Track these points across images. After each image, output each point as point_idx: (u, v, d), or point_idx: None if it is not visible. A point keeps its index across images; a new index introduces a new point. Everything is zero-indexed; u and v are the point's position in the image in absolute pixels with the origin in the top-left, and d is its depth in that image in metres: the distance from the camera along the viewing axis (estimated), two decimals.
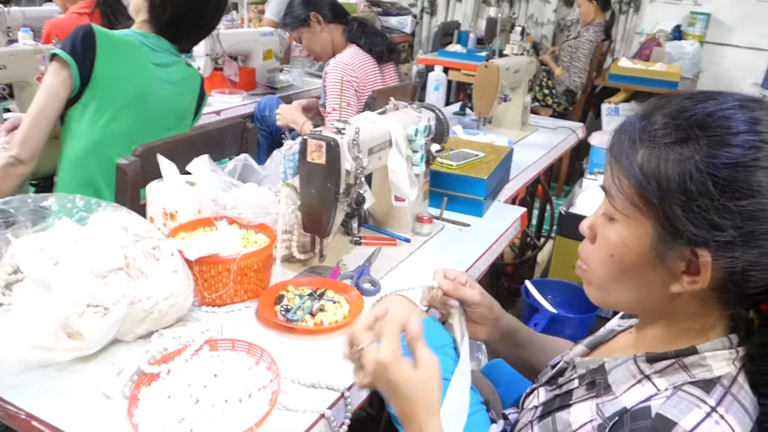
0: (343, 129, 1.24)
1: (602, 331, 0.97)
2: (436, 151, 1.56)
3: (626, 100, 4.33)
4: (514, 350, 1.13)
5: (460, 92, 4.82)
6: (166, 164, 1.34)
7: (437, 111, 1.60)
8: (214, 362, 0.98)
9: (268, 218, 1.33)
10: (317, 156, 1.22)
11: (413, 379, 0.79)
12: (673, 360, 0.76)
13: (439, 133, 1.60)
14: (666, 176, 0.70)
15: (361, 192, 1.29)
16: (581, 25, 4.58)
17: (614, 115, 4.34)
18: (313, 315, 1.16)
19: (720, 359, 0.74)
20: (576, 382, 0.87)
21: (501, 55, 2.71)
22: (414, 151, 1.48)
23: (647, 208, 0.73)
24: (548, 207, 3.01)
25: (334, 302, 1.20)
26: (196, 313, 1.15)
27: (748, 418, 0.71)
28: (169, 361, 0.96)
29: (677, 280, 0.74)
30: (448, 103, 4.21)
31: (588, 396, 0.82)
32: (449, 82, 4.49)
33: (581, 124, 2.93)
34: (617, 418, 0.74)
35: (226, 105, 2.72)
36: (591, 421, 0.78)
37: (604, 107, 4.37)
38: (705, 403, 0.70)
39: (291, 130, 2.63)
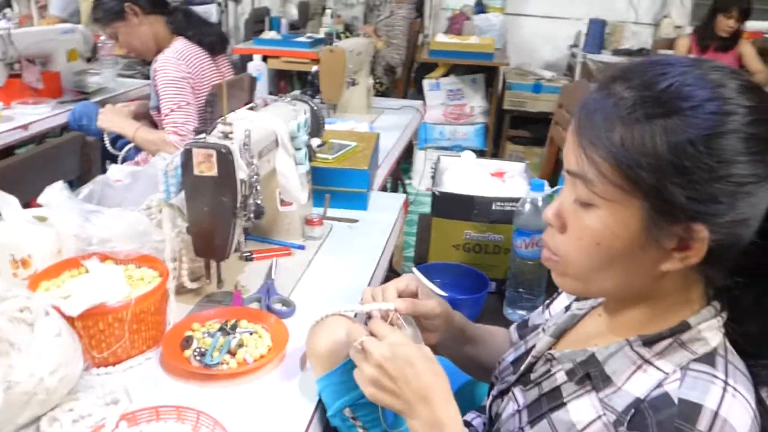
0: (231, 133, 1.07)
1: (564, 317, 0.92)
2: (318, 146, 1.44)
3: (445, 75, 4.45)
4: (462, 349, 1.05)
5: (280, 81, 4.65)
6: (4, 199, 1.07)
7: (310, 102, 1.47)
8: None
9: (146, 247, 1.12)
10: (206, 168, 1.04)
11: (428, 354, 0.80)
12: (670, 339, 0.72)
13: (316, 126, 1.47)
14: (656, 153, 0.65)
15: (259, 202, 1.12)
16: (393, 3, 4.61)
17: (436, 89, 4.45)
18: (232, 353, 0.99)
19: (711, 329, 0.72)
20: (560, 377, 0.80)
21: (338, 38, 2.61)
22: (297, 149, 1.34)
23: (634, 189, 0.67)
24: (400, 187, 2.99)
25: (251, 333, 1.04)
26: (86, 379, 0.92)
27: (748, 382, 0.71)
28: None
29: (668, 258, 0.70)
30: (271, 92, 4.03)
31: (583, 391, 0.77)
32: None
33: (421, 102, 2.94)
34: (633, 410, 0.69)
35: (33, 117, 2.33)
36: (600, 417, 0.72)
37: (426, 83, 4.46)
38: (717, 378, 0.68)
39: (118, 137, 2.33)
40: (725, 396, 0.66)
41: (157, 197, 1.29)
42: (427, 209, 2.42)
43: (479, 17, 4.64)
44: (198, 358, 0.97)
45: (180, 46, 2.24)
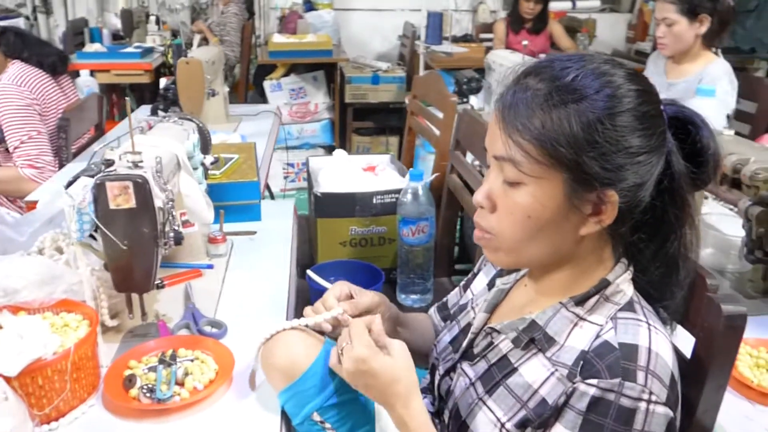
0: (140, 162, 1.05)
1: (492, 293, 1.01)
2: (211, 163, 1.42)
3: (285, 74, 4.46)
4: (398, 334, 1.11)
5: (111, 95, 4.39)
6: None
7: (195, 120, 1.45)
8: None
9: (58, 292, 1.06)
10: (123, 200, 1.00)
11: (391, 363, 0.86)
12: (597, 296, 0.84)
13: (204, 143, 1.45)
14: (572, 132, 0.76)
15: (177, 228, 1.11)
16: (222, 5, 4.52)
17: (278, 90, 4.44)
18: (181, 384, 0.98)
19: (625, 282, 0.85)
20: (505, 346, 0.89)
21: (187, 47, 2.54)
22: (194, 168, 1.32)
23: (556, 164, 0.78)
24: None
25: (193, 360, 1.03)
26: None
27: (661, 321, 0.84)
28: None
29: (585, 222, 0.81)
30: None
31: (530, 354, 0.86)
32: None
33: (277, 105, 2.94)
34: (582, 361, 0.79)
35: None
36: (553, 373, 0.81)
37: (267, 84, 4.43)
38: (641, 320, 0.81)
39: None
40: (651, 334, 0.79)
41: (49, 237, 1.23)
42: None
43: (311, 15, 4.69)
44: (148, 394, 0.95)
45: (17, 70, 2.07)
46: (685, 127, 0.84)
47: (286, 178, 4.37)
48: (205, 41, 4.34)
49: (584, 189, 0.79)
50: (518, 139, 0.79)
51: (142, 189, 1.01)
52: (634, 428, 0.74)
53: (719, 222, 1.51)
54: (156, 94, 4.44)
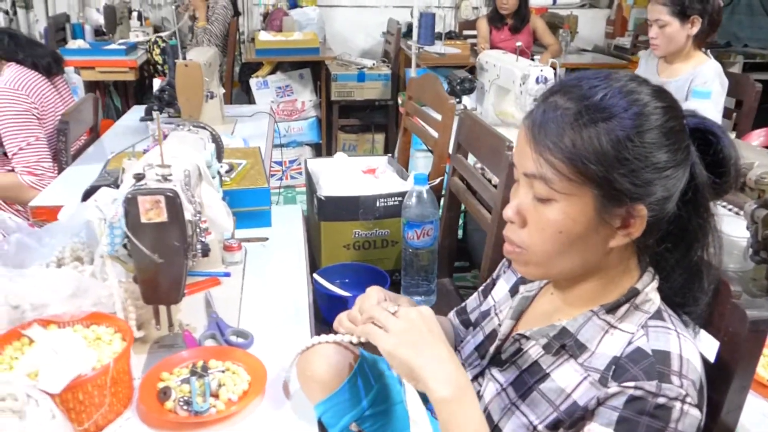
0: (170, 175, 1.05)
1: (516, 300, 1.03)
2: (226, 172, 1.43)
3: (271, 72, 4.44)
4: None
5: (95, 92, 4.32)
6: None
7: (209, 128, 1.45)
8: None
9: (86, 304, 1.06)
10: (155, 214, 1.01)
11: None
12: (627, 305, 0.87)
13: (219, 150, 1.46)
14: (602, 150, 0.79)
15: (203, 240, 1.12)
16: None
17: (264, 88, 4.42)
18: (215, 395, 0.99)
19: (653, 290, 0.88)
20: (535, 353, 0.91)
21: (182, 47, 2.52)
22: (212, 177, 1.32)
23: (587, 181, 0.80)
24: None
25: (224, 372, 1.04)
26: None
27: (683, 325, 0.88)
28: None
29: (614, 235, 0.84)
30: None
31: (561, 360, 0.88)
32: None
33: (269, 105, 2.93)
34: (614, 366, 0.82)
35: None
36: (585, 378, 0.84)
37: (253, 82, 4.41)
38: (669, 329, 0.84)
39: None
40: (680, 341, 0.82)
41: (69, 248, 1.22)
42: None
43: (296, 12, 4.67)
44: (185, 407, 0.96)
45: (13, 73, 2.04)
46: (706, 138, 0.87)
47: (273, 176, 4.35)
48: (193, 19, 4.29)
49: (614, 204, 0.81)
50: (549, 158, 0.81)
51: (173, 203, 1.01)
52: (669, 426, 0.77)
53: (720, 223, 1.55)
54: (140, 92, 4.43)
